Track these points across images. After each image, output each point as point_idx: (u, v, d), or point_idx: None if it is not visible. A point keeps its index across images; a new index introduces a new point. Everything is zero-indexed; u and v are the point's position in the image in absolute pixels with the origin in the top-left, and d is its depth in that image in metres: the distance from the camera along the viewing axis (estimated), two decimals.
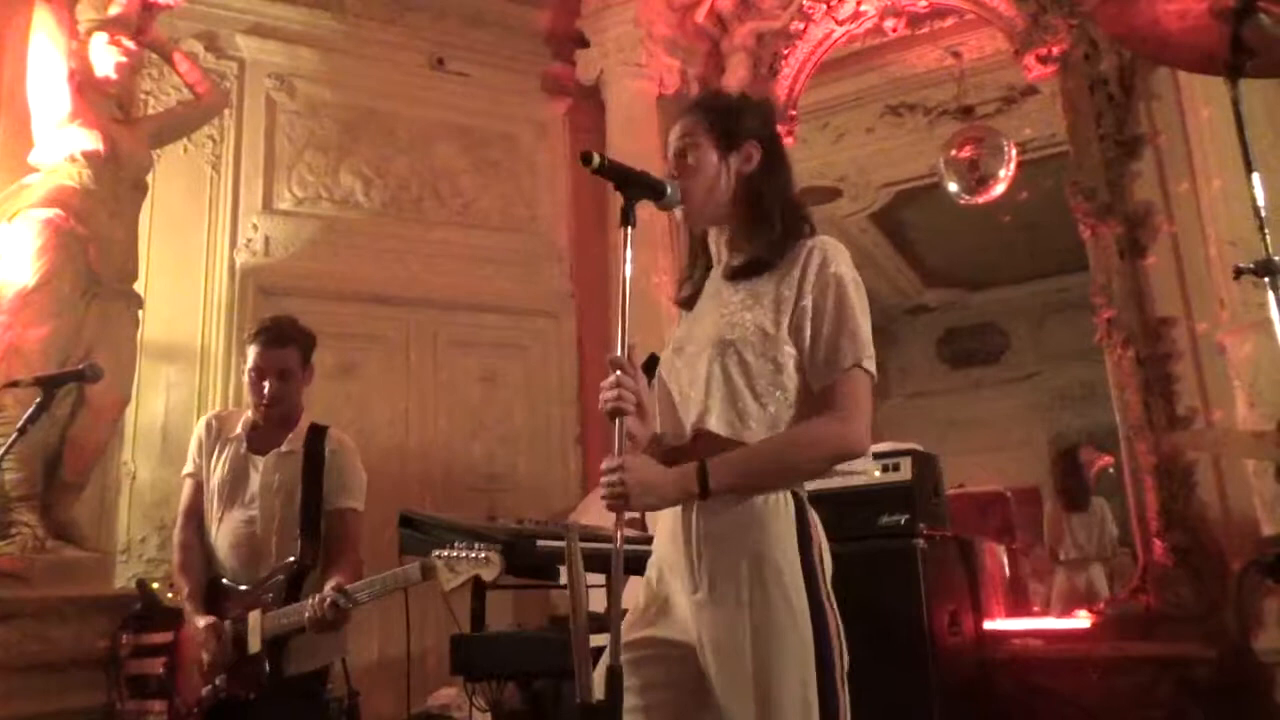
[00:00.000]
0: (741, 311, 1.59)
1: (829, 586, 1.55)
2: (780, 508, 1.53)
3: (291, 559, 2.52)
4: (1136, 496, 3.53)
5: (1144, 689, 3.26)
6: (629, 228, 1.55)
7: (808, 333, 1.55)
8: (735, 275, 1.64)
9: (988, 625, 3.51)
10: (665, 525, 1.61)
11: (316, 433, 2.68)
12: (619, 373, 1.51)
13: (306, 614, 2.35)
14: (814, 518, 1.58)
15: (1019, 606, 4.30)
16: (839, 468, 1.55)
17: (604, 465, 1.49)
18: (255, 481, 2.62)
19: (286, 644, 2.47)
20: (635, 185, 1.57)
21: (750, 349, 1.55)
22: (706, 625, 1.50)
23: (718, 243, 1.73)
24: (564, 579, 2.52)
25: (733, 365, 1.55)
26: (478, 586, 2.62)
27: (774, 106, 1.83)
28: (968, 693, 3.17)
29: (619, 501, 1.45)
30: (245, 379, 2.70)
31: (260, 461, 2.63)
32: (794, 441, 1.54)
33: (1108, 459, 5.75)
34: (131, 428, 3.73)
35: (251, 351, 2.65)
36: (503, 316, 4.56)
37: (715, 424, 1.55)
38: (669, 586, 1.58)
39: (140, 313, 3.55)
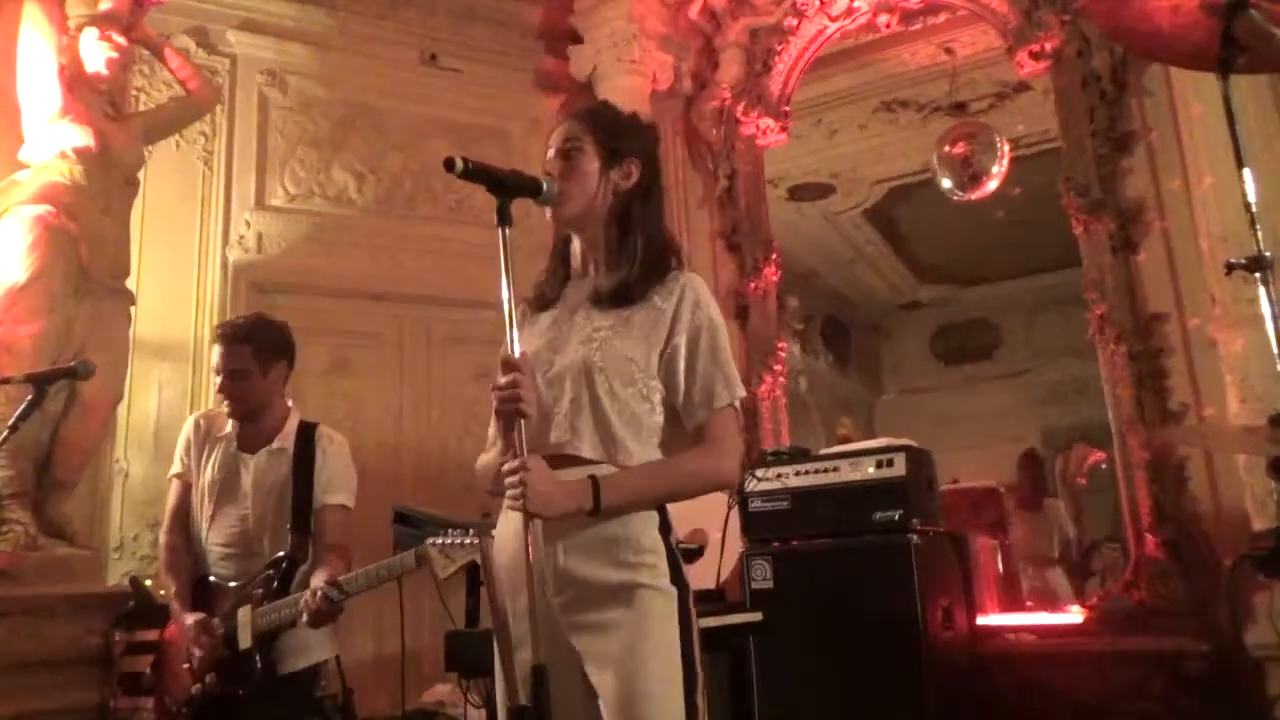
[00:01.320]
0: (611, 339, 1.60)
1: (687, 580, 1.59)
2: (650, 519, 1.58)
3: (281, 554, 2.52)
4: (1129, 492, 3.54)
5: (1137, 683, 3.27)
6: (505, 228, 1.52)
7: (681, 373, 1.60)
8: (602, 300, 1.64)
9: (981, 620, 3.52)
10: (513, 533, 1.57)
11: (306, 430, 2.68)
12: (515, 373, 1.49)
13: (299, 607, 2.35)
14: (668, 512, 1.62)
15: (1012, 601, 4.32)
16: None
17: (506, 466, 1.48)
18: (247, 480, 2.61)
19: (277, 640, 2.46)
20: (509, 185, 1.55)
21: (620, 379, 1.57)
22: (582, 633, 1.52)
23: (583, 254, 1.72)
24: None
25: (603, 393, 1.57)
26: (472, 583, 2.61)
27: (659, 134, 1.82)
28: (961, 688, 3.18)
29: (518, 504, 1.45)
30: None
31: (250, 460, 2.63)
32: (678, 471, 1.61)
33: (1100, 455, 5.79)
34: (124, 425, 3.73)
35: (214, 351, 2.65)
36: (496, 313, 4.50)
37: (586, 449, 1.56)
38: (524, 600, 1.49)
39: (132, 310, 3.55)
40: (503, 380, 1.49)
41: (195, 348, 3.98)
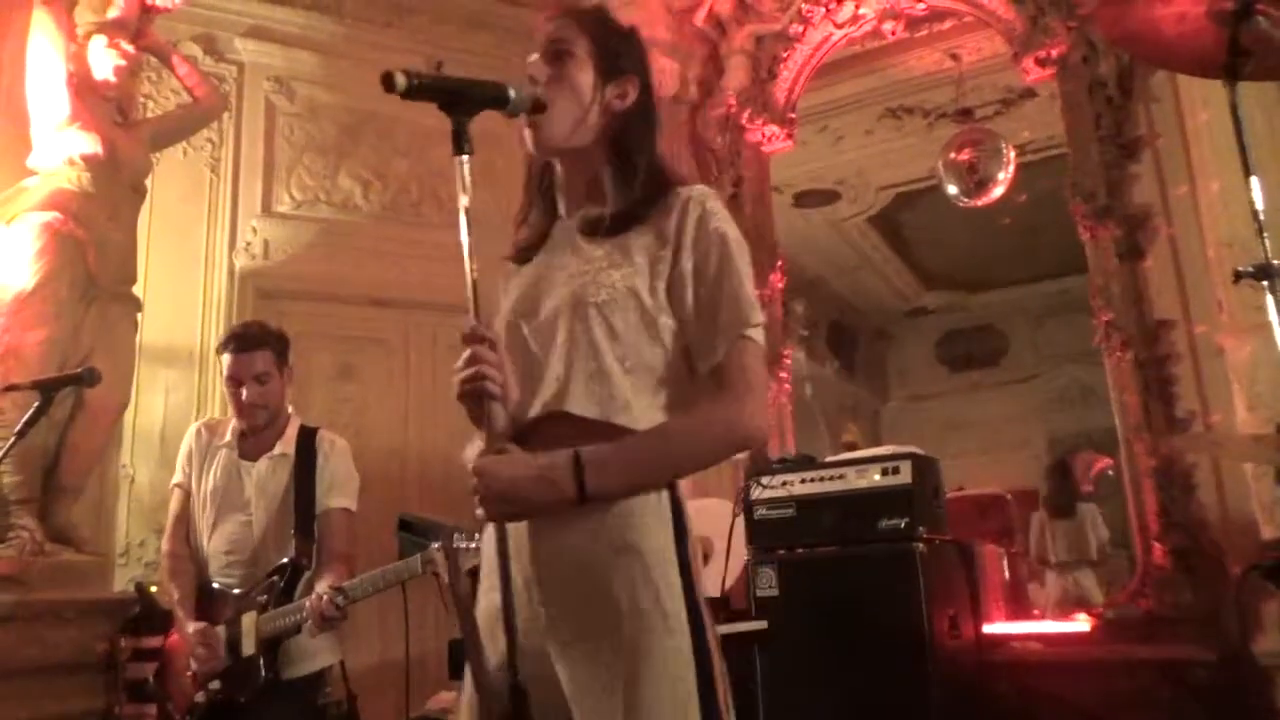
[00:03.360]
0: (607, 269, 1.31)
1: (702, 593, 1.30)
2: (657, 509, 1.28)
3: (285, 560, 2.52)
4: (1136, 499, 3.53)
5: (1144, 692, 3.25)
6: (465, 157, 1.24)
7: (689, 300, 1.31)
8: (594, 229, 1.35)
9: (987, 629, 3.50)
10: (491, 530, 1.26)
11: (307, 435, 2.69)
12: (479, 346, 1.21)
13: (304, 613, 2.35)
14: (688, 512, 1.32)
15: (1019, 610, 4.30)
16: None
17: (470, 466, 1.23)
18: (249, 487, 2.62)
19: (281, 646, 2.46)
20: (468, 98, 1.24)
21: (620, 314, 1.29)
22: (566, 662, 1.25)
23: (566, 184, 1.44)
24: None
25: (599, 332, 1.28)
26: (476, 589, 2.61)
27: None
28: (967, 696, 3.17)
29: (480, 515, 1.21)
30: (225, 389, 2.70)
31: (252, 468, 2.63)
32: (687, 432, 1.29)
33: (1107, 461, 5.78)
34: (130, 431, 3.73)
35: (225, 360, 2.65)
36: None
37: (578, 404, 1.28)
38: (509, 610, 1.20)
39: (139, 316, 3.55)
40: (462, 358, 1.21)
41: (202, 354, 3.99)
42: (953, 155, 5.21)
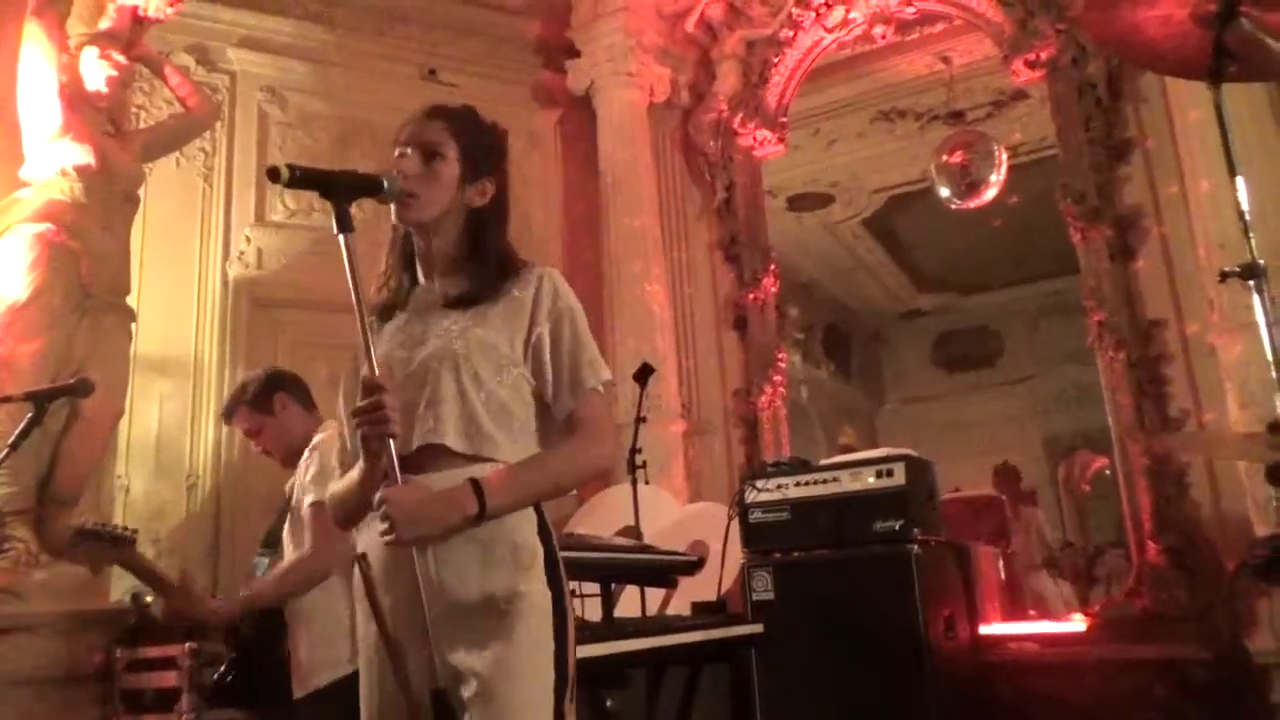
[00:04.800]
0: (472, 328, 1.53)
1: (564, 581, 1.52)
2: (527, 519, 1.50)
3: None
4: (1130, 498, 3.54)
5: (1141, 691, 3.26)
6: (346, 234, 1.43)
7: (547, 362, 1.55)
8: (458, 304, 1.57)
9: (983, 629, 3.51)
10: (383, 552, 1.45)
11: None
12: (382, 394, 1.40)
13: None
14: (545, 513, 1.55)
15: (1014, 610, 4.31)
16: None
17: (377, 497, 1.40)
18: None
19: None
20: (344, 187, 1.45)
21: (482, 365, 1.51)
22: (453, 648, 1.42)
23: (425, 256, 1.64)
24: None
25: (466, 378, 1.50)
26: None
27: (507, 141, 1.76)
28: (964, 697, 3.17)
29: (389, 538, 1.38)
30: None
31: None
32: (560, 465, 1.54)
33: (1103, 461, 5.80)
34: (125, 441, 3.73)
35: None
36: None
37: (451, 439, 1.48)
38: (402, 618, 1.42)
39: (133, 326, 3.55)
40: (364, 403, 1.40)
41: (196, 363, 3.99)
42: (945, 158, 5.23)
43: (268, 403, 2.68)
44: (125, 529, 2.56)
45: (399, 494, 1.39)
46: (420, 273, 1.66)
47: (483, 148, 1.65)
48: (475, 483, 1.43)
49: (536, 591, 1.46)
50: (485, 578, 1.44)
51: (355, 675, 2.36)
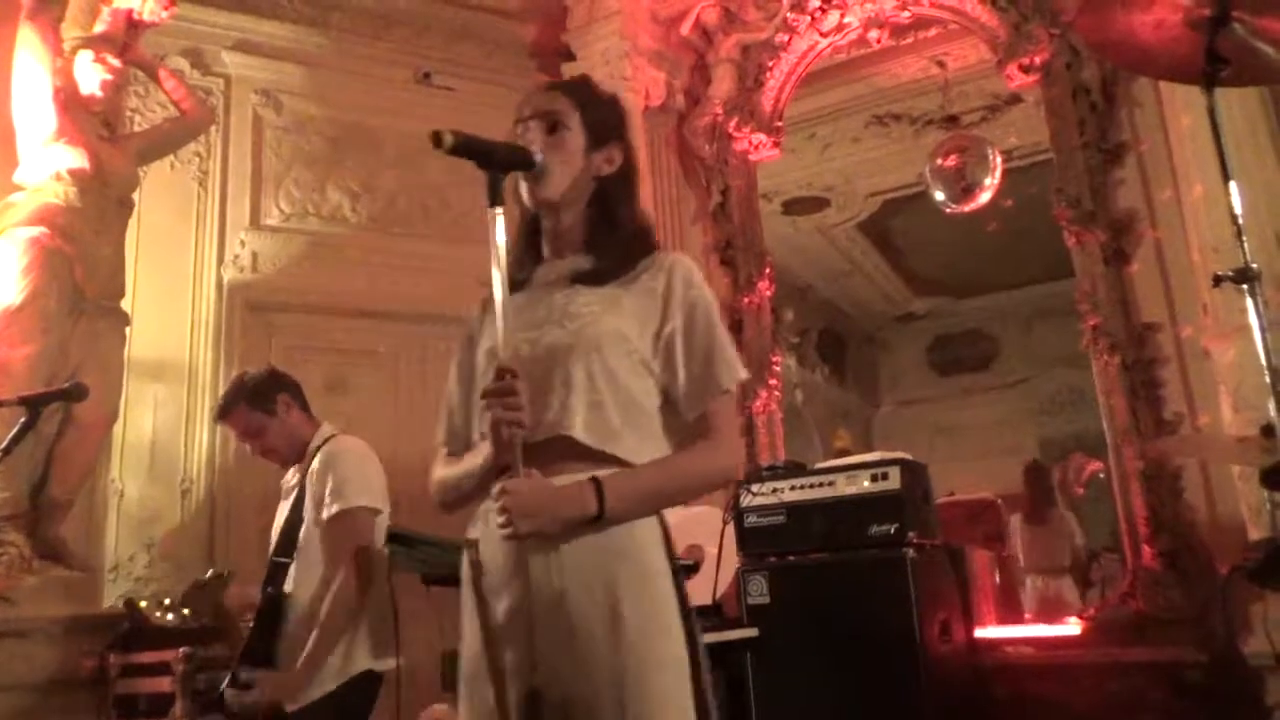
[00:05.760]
0: (602, 315, 1.47)
1: (690, 602, 1.48)
2: (650, 526, 1.46)
3: (269, 589, 2.52)
4: (1125, 501, 3.55)
5: (1137, 694, 3.27)
6: (498, 208, 1.40)
7: (680, 358, 1.49)
8: (588, 280, 1.52)
9: (979, 633, 3.51)
10: (501, 548, 1.41)
11: (314, 453, 2.67)
12: (515, 380, 1.35)
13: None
14: (669, 528, 1.50)
15: (1010, 614, 4.31)
16: None
17: (496, 488, 1.36)
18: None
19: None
20: (502, 159, 1.44)
21: (614, 356, 1.45)
22: (572, 659, 1.37)
23: (554, 234, 1.60)
24: None
25: (597, 370, 1.44)
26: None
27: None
28: (960, 701, 3.17)
29: (507, 531, 1.33)
30: None
31: (287, 505, 2.66)
32: (686, 470, 1.49)
33: (1098, 465, 5.79)
34: (119, 445, 3.72)
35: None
36: None
37: (579, 430, 1.42)
38: (518, 620, 1.39)
39: (127, 330, 3.55)
40: (495, 385, 1.35)
41: (191, 368, 3.98)
42: (940, 161, 5.24)
43: (271, 402, 2.68)
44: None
45: (519, 485, 1.34)
46: (547, 251, 1.61)
47: (605, 115, 1.61)
48: (597, 481, 1.38)
49: (666, 611, 1.41)
50: (611, 593, 1.38)
51: (343, 687, 2.38)
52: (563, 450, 1.42)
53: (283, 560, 2.57)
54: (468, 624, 1.45)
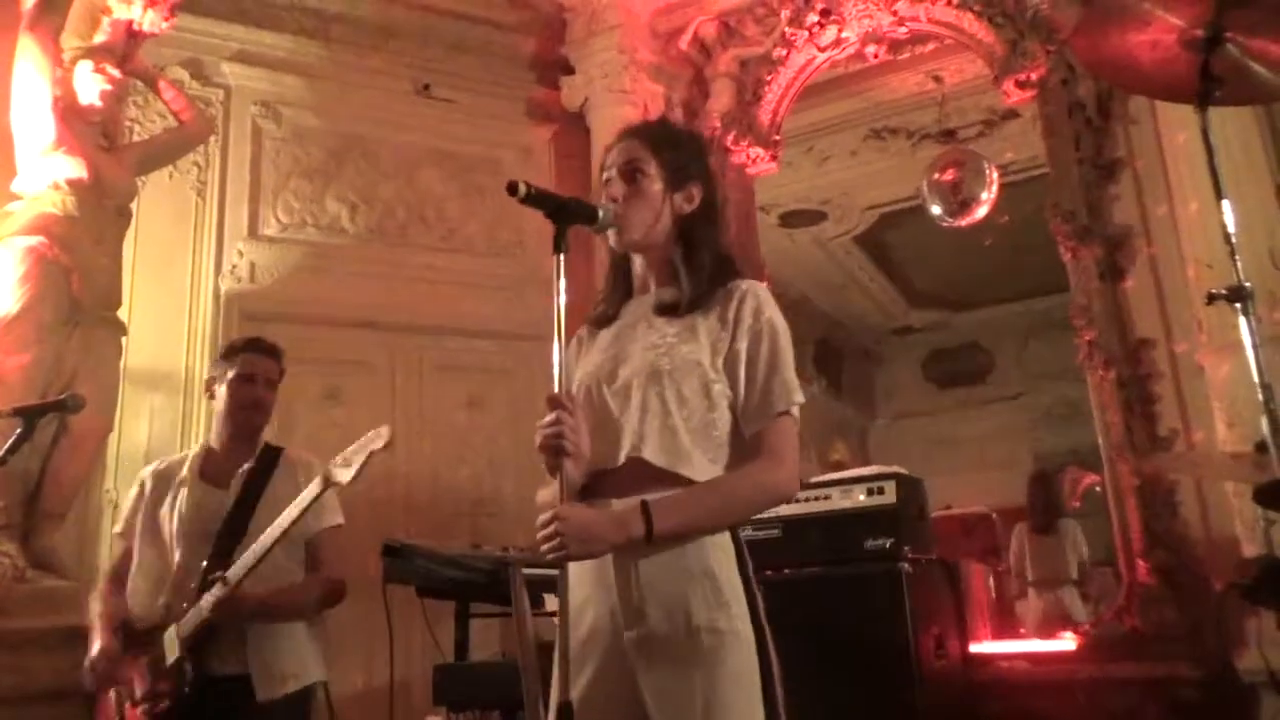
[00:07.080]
0: (678, 345, 1.57)
1: (763, 614, 1.55)
2: (723, 544, 1.53)
3: (210, 577, 2.44)
4: (1120, 517, 3.55)
5: (1131, 710, 3.26)
6: (561, 255, 1.50)
7: (742, 377, 1.57)
8: (669, 311, 1.62)
9: (974, 648, 3.51)
10: (588, 569, 1.53)
11: (272, 452, 2.67)
12: (560, 410, 1.47)
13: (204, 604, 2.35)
14: (745, 547, 1.57)
15: (1005, 629, 4.31)
16: None
17: (542, 518, 1.45)
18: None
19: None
20: (568, 212, 1.53)
21: (686, 382, 1.54)
22: (652, 673, 1.47)
23: (644, 272, 1.71)
24: (550, 606, 2.52)
25: (670, 395, 1.54)
26: (461, 615, 2.60)
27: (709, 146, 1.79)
28: (954, 716, 3.17)
29: (560, 554, 1.41)
30: (223, 389, 2.69)
31: (225, 495, 2.60)
32: (735, 489, 1.54)
33: (1094, 478, 5.78)
34: (114, 456, 3.70)
35: (240, 359, 2.70)
36: (488, 341, 4.56)
37: (652, 453, 1.53)
38: (599, 636, 1.52)
39: (124, 340, 3.54)
40: (547, 418, 1.47)
41: (187, 378, 3.98)
42: (937, 176, 5.27)
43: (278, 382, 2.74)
44: None
45: (570, 510, 1.45)
46: (636, 288, 1.72)
47: (682, 155, 1.69)
48: (645, 505, 1.46)
49: (740, 628, 1.48)
50: (688, 609, 1.46)
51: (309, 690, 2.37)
52: (638, 473, 1.52)
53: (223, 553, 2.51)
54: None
